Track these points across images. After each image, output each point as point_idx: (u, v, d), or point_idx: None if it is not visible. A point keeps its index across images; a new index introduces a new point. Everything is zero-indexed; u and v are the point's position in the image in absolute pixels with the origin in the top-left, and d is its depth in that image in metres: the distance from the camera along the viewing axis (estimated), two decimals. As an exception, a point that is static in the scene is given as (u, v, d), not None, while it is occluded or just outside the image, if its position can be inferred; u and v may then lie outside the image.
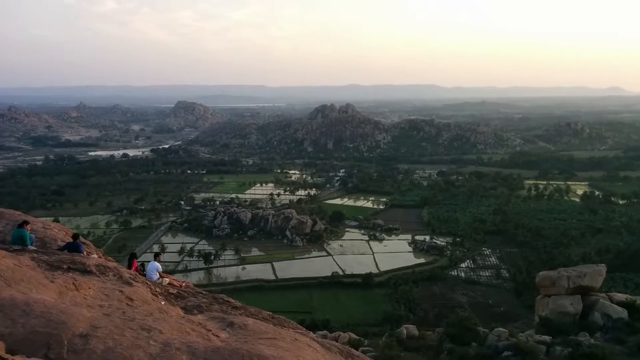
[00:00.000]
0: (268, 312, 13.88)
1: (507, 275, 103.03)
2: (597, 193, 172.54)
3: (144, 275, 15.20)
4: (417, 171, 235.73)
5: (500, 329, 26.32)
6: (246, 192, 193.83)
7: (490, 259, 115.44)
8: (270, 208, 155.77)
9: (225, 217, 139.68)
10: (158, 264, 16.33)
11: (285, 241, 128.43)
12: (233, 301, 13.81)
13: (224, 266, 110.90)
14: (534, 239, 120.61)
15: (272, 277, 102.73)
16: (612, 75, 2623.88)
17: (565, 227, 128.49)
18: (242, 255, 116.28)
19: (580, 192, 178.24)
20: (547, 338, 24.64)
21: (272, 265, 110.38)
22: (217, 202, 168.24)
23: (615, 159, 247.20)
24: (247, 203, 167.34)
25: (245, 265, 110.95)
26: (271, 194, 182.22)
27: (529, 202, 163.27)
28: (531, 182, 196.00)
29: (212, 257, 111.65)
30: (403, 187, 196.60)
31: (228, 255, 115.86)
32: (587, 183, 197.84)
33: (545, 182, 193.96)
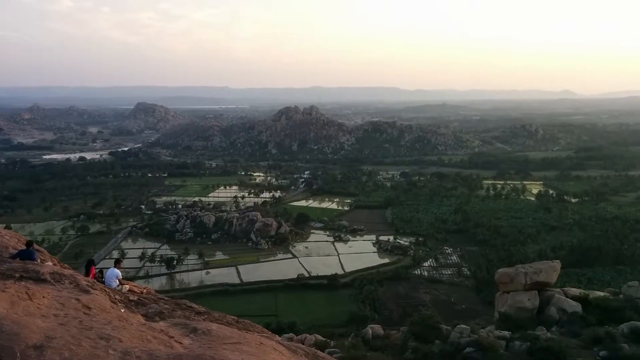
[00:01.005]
0: (233, 317, 13.73)
1: (468, 273, 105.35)
2: (551, 192, 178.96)
3: (103, 283, 14.79)
4: (381, 172, 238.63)
5: (462, 325, 26.91)
6: (210, 195, 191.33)
7: (452, 257, 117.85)
8: (234, 211, 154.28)
9: (188, 220, 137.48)
10: (117, 271, 15.92)
11: (250, 244, 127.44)
12: (196, 307, 13.59)
13: (188, 271, 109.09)
14: (493, 237, 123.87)
15: (237, 281, 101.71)
16: (564, 79, 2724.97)
17: (522, 225, 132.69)
18: (206, 259, 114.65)
19: (535, 191, 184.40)
20: (506, 333, 25.33)
21: (237, 269, 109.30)
22: (180, 206, 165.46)
23: (567, 159, 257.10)
24: (211, 206, 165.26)
25: (209, 270, 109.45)
26: (235, 197, 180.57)
27: (488, 202, 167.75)
28: (489, 182, 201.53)
29: (175, 262, 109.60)
30: (367, 188, 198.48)
31: (191, 259, 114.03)
32: (541, 182, 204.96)
33: (502, 182, 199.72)
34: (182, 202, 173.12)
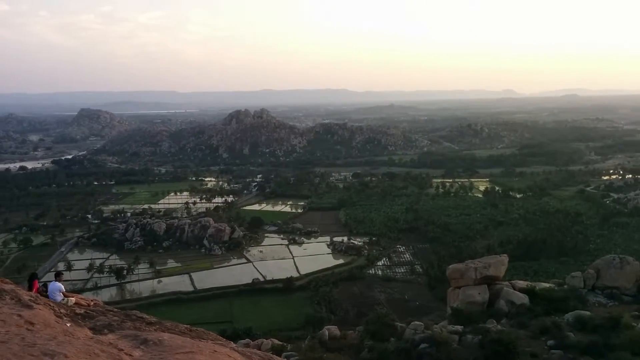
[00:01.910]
0: (186, 325, 13.42)
1: (420, 270, 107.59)
2: (497, 188, 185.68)
3: (47, 297, 14.10)
4: (333, 174, 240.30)
5: (417, 322, 27.39)
6: (160, 202, 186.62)
7: (405, 255, 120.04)
8: (186, 217, 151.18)
9: (138, 229, 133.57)
10: (60, 284, 15.22)
11: (203, 250, 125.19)
12: (147, 317, 13.19)
13: (138, 280, 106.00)
14: (444, 234, 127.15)
15: (191, 289, 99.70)
16: (506, 79, 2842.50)
17: (471, 222, 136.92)
18: (157, 268, 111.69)
19: (482, 188, 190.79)
20: (459, 328, 25.97)
21: (190, 276, 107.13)
22: (128, 214, 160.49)
23: (511, 156, 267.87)
24: (161, 213, 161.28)
25: (161, 278, 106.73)
26: (186, 203, 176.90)
27: (438, 200, 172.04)
28: (438, 180, 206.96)
29: (125, 271, 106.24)
30: (320, 190, 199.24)
31: (142, 268, 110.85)
32: (488, 179, 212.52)
33: (451, 180, 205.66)
34: (131, 210, 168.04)
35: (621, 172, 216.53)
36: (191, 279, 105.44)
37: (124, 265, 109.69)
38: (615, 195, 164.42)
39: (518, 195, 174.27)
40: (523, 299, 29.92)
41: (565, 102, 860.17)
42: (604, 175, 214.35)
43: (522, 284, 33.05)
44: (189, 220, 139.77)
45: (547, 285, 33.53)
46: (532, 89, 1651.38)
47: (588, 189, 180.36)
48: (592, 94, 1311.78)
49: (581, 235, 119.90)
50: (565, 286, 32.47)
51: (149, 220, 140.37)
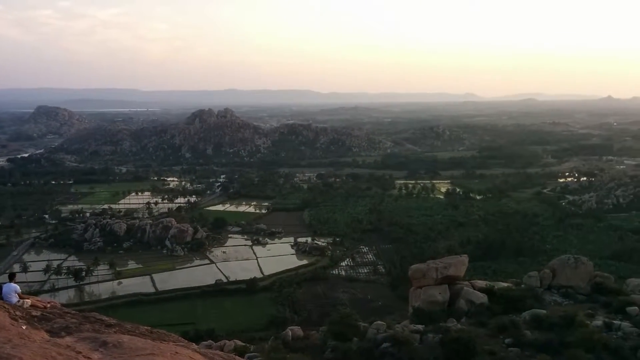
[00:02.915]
0: (146, 327, 13.17)
1: (383, 270, 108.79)
2: (458, 190, 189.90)
3: (1, 299, 13.59)
4: (298, 175, 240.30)
5: (379, 322, 27.69)
6: (120, 202, 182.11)
7: (368, 256, 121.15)
8: (147, 218, 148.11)
9: (98, 229, 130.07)
10: (15, 285, 14.69)
11: (165, 251, 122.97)
12: (107, 319, 12.89)
13: (98, 282, 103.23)
14: (406, 234, 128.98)
15: (152, 290, 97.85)
16: (467, 83, 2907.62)
17: (432, 223, 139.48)
18: (117, 269, 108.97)
19: (443, 189, 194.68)
20: (420, 327, 26.41)
21: (152, 278, 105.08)
22: (88, 214, 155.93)
23: (472, 158, 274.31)
24: (122, 213, 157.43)
25: (121, 280, 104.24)
26: (148, 203, 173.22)
27: (401, 201, 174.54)
28: (401, 181, 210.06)
29: (84, 273, 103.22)
30: (284, 190, 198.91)
31: (102, 270, 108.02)
32: (449, 181, 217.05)
33: (413, 182, 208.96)
34: (90, 210, 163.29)
35: (576, 174, 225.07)
36: (152, 280, 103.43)
37: (82, 267, 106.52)
38: (571, 197, 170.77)
39: (478, 197, 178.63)
40: (482, 298, 30.67)
41: (524, 106, 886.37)
42: (560, 178, 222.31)
43: (481, 283, 33.86)
44: (151, 221, 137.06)
45: (505, 284, 34.47)
46: (493, 93, 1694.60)
47: (545, 191, 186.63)
48: (549, 98, 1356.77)
49: (538, 236, 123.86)
50: (523, 286, 33.45)
51: (109, 220, 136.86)
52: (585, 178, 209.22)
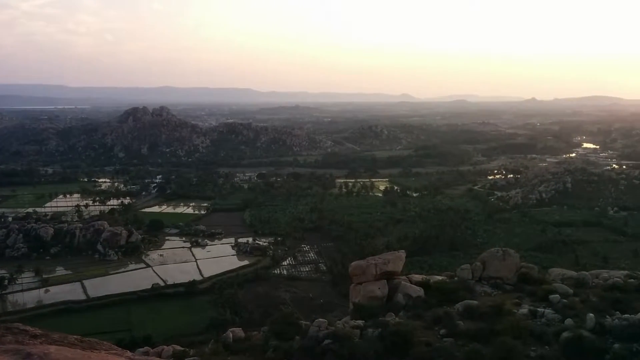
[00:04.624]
0: (76, 336, 12.55)
1: (324, 268, 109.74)
2: (395, 188, 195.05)
3: None
4: (238, 174, 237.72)
5: (320, 319, 27.84)
6: (46, 205, 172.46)
7: (310, 254, 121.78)
8: (77, 221, 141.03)
9: (21, 234, 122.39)
10: None
11: (97, 256, 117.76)
12: (32, 329, 12.16)
13: (22, 291, 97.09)
14: (347, 232, 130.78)
15: (83, 297, 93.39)
16: (404, 84, 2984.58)
17: (372, 220, 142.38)
18: (44, 276, 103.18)
19: (382, 187, 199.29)
20: (360, 322, 26.83)
21: (82, 284, 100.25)
22: (10, 218, 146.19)
23: (408, 157, 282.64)
24: (48, 217, 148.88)
25: (48, 288, 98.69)
26: (78, 206, 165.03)
27: (341, 199, 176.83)
28: (342, 180, 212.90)
29: (6, 281, 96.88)
30: (224, 191, 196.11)
31: (26, 278, 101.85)
32: (387, 179, 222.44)
33: (353, 180, 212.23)
34: (13, 214, 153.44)
35: (504, 172, 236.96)
36: (83, 287, 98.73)
37: (5, 275, 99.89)
38: (499, 194, 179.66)
39: (414, 194, 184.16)
40: (419, 291, 31.56)
41: (456, 107, 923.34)
42: (489, 175, 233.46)
43: (418, 277, 34.81)
44: (81, 225, 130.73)
45: (440, 278, 35.59)
46: (427, 94, 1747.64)
47: (475, 187, 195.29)
48: (479, 100, 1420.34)
49: (470, 231, 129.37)
50: (456, 278, 34.69)
51: (34, 225, 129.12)
52: (511, 175, 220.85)
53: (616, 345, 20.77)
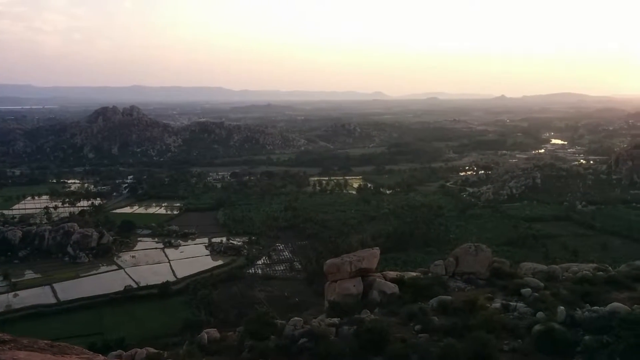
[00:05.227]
0: (46, 341, 12.24)
1: (299, 267, 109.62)
2: (369, 185, 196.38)
3: None
4: (211, 174, 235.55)
5: (296, 318, 27.85)
6: (14, 208, 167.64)
7: (284, 253, 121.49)
8: (46, 223, 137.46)
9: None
10: None
11: (67, 259, 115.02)
12: (0, 335, 11.82)
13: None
14: (321, 230, 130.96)
15: (53, 301, 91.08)
16: (376, 82, 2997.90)
17: (346, 218, 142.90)
18: (12, 280, 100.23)
19: (356, 185, 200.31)
20: (336, 320, 26.93)
21: (53, 287, 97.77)
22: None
23: (381, 154, 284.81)
24: (16, 220, 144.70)
25: (17, 292, 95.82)
26: (47, 208, 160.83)
27: (315, 197, 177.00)
28: (315, 178, 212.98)
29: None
30: (197, 190, 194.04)
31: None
32: (360, 177, 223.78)
33: (327, 178, 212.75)
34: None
35: (475, 168, 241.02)
36: (54, 290, 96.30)
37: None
38: (471, 190, 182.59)
39: (388, 191, 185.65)
40: (393, 288, 31.87)
41: (428, 105, 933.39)
42: (461, 172, 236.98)
43: (392, 274, 35.14)
44: (50, 227, 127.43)
45: (414, 274, 36.01)
46: (400, 92, 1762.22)
47: (448, 184, 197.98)
48: (450, 97, 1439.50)
49: (443, 227, 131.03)
50: (430, 274, 35.16)
51: (1, 227, 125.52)
52: (483, 171, 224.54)
53: (586, 337, 21.33)
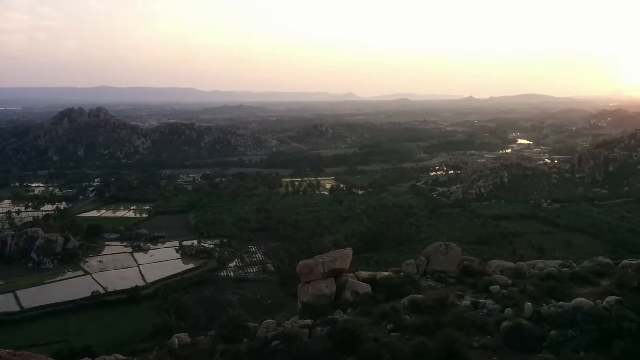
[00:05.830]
0: (8, 350, 11.81)
1: (272, 268, 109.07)
2: (341, 186, 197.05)
3: None
4: (181, 176, 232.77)
5: (269, 320, 27.61)
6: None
7: (257, 255, 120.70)
8: (8, 229, 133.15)
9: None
10: None
11: (30, 265, 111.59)
12: (-43, 346, 11.32)
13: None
14: (294, 231, 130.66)
15: (17, 308, 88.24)
16: (347, 83, 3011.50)
17: (319, 218, 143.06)
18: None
19: (328, 186, 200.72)
20: (309, 321, 26.81)
21: (16, 295, 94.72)
22: None
23: (353, 155, 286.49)
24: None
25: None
26: (9, 212, 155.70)
27: (288, 198, 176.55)
28: (288, 179, 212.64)
29: None
30: (167, 193, 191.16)
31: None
32: (333, 178, 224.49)
33: (299, 179, 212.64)
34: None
35: (445, 168, 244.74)
36: (17, 298, 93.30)
37: None
38: (441, 189, 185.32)
39: (360, 192, 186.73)
40: (366, 288, 31.94)
41: (398, 106, 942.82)
42: (431, 172, 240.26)
43: (365, 274, 35.22)
44: (12, 232, 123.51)
45: (386, 273, 36.18)
46: (370, 93, 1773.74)
47: (419, 184, 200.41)
48: (420, 98, 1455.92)
49: (414, 226, 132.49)
50: (402, 273, 35.36)
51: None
52: (452, 171, 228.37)
53: (552, 332, 21.84)
